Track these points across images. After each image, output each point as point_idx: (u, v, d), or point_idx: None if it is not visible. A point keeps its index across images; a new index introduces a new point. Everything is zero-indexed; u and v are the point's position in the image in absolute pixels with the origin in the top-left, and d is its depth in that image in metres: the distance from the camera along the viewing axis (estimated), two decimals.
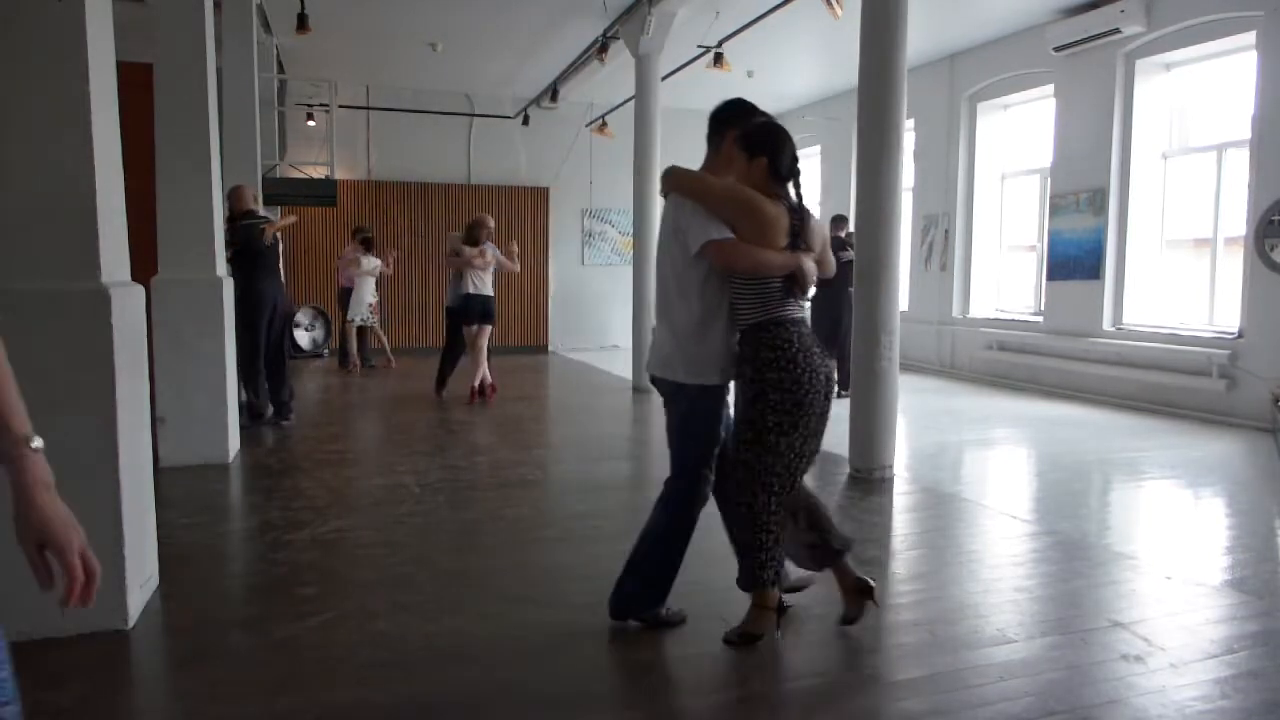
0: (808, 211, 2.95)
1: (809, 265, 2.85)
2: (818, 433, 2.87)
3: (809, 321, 2.97)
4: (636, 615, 3.05)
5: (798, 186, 2.95)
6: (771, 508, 2.83)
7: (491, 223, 8.59)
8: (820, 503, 3.09)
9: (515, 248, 8.84)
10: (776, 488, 2.82)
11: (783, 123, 3.14)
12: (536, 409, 8.59)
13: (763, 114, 3.02)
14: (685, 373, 2.87)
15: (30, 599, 2.98)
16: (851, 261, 8.65)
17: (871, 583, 3.07)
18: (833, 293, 8.79)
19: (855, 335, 5.45)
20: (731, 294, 2.85)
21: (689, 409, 2.92)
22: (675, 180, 2.85)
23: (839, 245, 8.81)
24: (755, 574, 2.88)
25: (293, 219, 8.51)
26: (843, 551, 3.06)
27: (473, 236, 8.43)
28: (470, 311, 8.30)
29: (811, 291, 2.92)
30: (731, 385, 2.97)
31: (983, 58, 10.30)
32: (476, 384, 8.35)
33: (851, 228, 9.31)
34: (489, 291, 8.40)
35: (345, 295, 10.94)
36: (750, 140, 2.88)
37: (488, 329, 8.40)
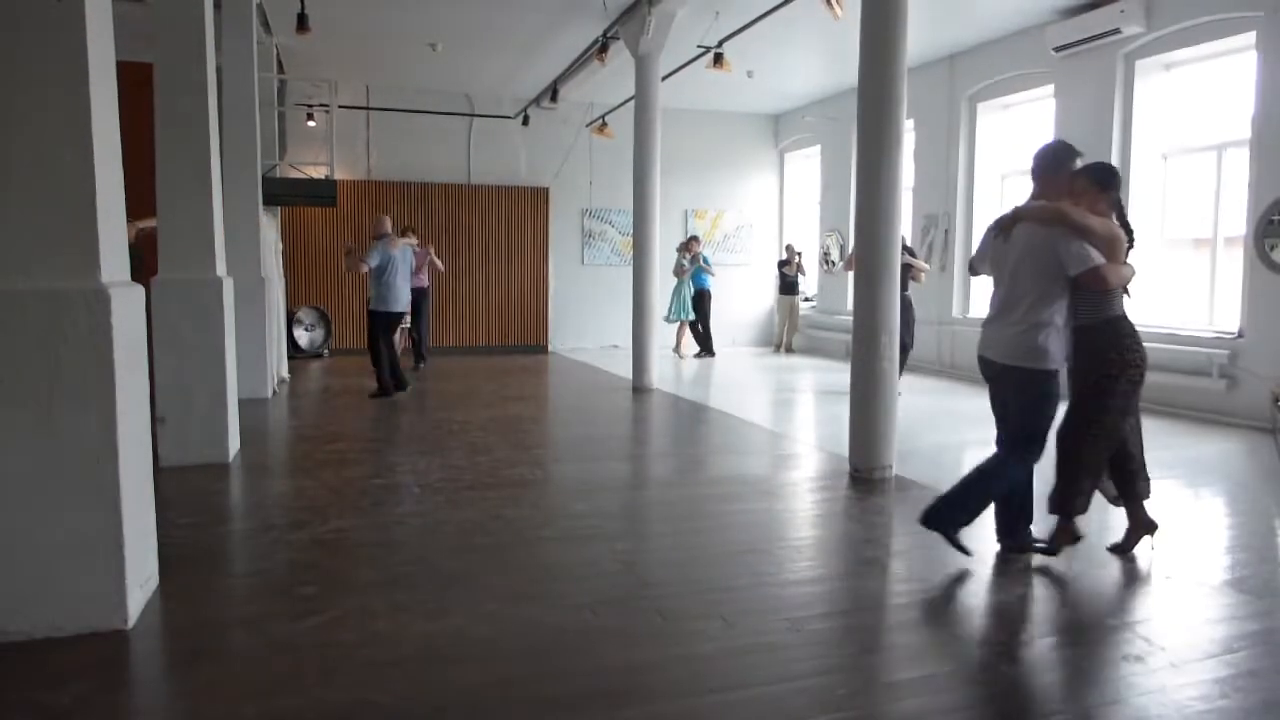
0: (1132, 231, 3.79)
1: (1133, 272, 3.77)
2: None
3: None
4: (943, 529, 3.76)
5: (1122, 210, 3.82)
6: (1095, 450, 3.70)
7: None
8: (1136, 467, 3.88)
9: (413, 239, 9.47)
10: (1105, 442, 3.69)
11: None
12: (536, 409, 8.59)
13: (1078, 151, 3.82)
14: (1051, 360, 3.61)
15: (30, 599, 2.99)
16: (907, 265, 8.84)
17: (1156, 524, 3.91)
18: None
19: (855, 335, 5.45)
20: (1080, 298, 3.64)
21: (1046, 390, 3.64)
22: (1060, 216, 3.58)
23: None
24: (1066, 503, 3.77)
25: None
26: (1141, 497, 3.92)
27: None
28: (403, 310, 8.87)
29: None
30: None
31: (983, 58, 10.30)
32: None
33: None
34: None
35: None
36: (1103, 177, 3.76)
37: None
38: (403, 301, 8.64)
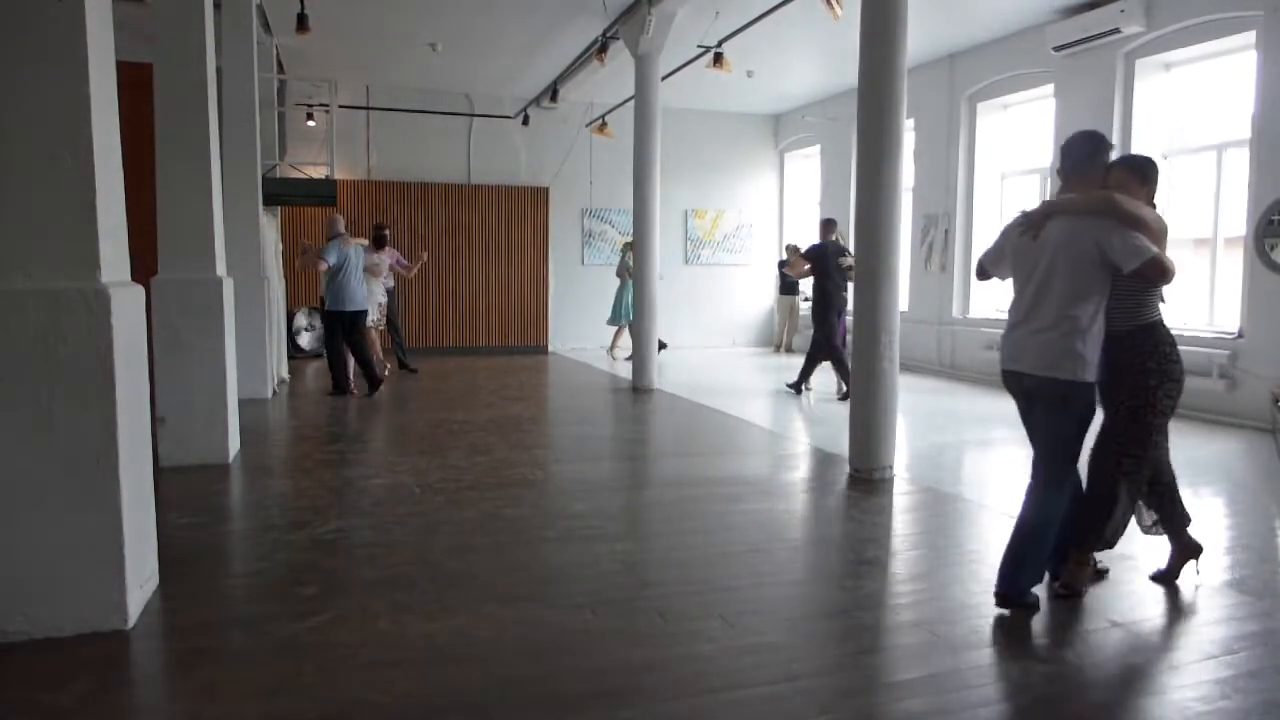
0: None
1: None
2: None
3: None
4: (1025, 602, 3.27)
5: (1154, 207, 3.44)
6: (1134, 485, 3.37)
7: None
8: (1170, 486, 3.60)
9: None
10: (1145, 468, 3.37)
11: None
12: (536, 409, 8.59)
13: (1111, 142, 3.51)
14: (1091, 370, 3.23)
15: (30, 599, 2.99)
16: (852, 267, 8.90)
17: (1202, 546, 3.63)
18: (832, 298, 8.91)
19: (855, 335, 5.45)
20: (1122, 298, 3.28)
21: (1089, 403, 3.27)
22: (1111, 205, 3.20)
23: (838, 251, 8.94)
24: (1090, 535, 3.37)
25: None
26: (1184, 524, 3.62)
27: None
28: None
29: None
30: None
31: (983, 58, 10.30)
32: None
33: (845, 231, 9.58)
34: None
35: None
36: (1144, 170, 3.42)
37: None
38: (358, 300, 8.56)
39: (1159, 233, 3.22)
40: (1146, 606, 3.39)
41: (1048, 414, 3.31)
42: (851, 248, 6.75)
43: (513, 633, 3.04)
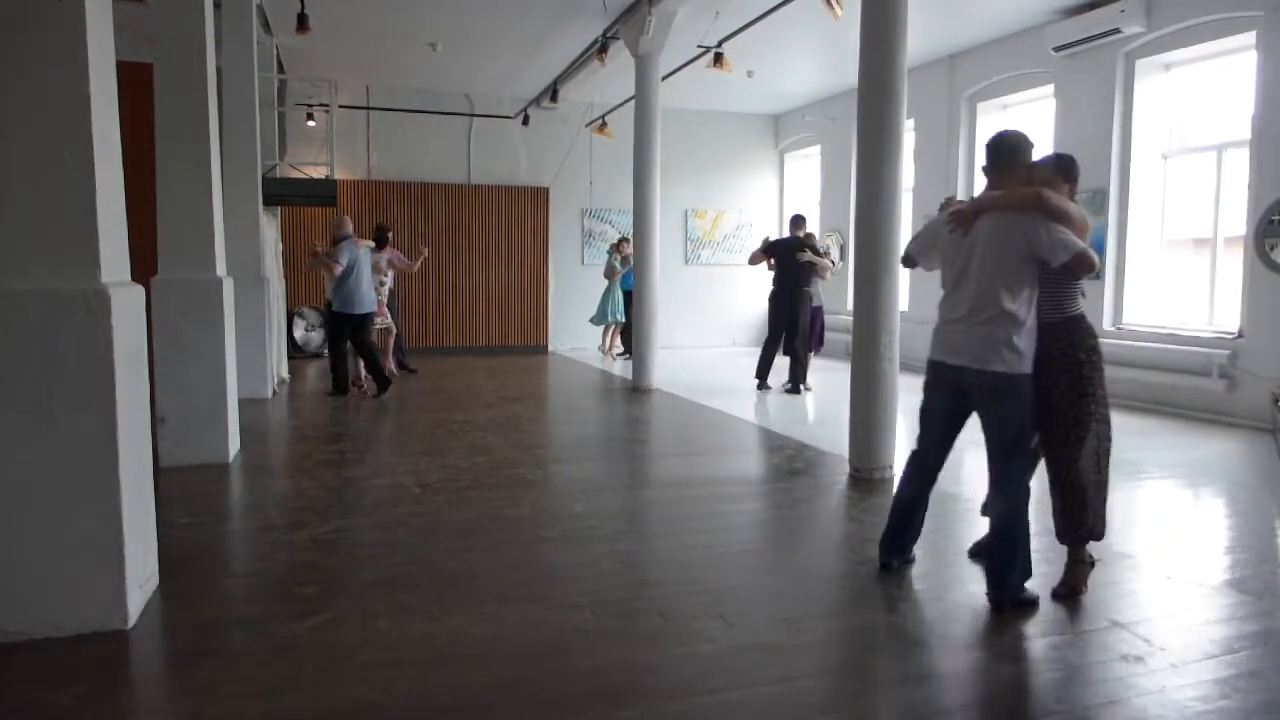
0: None
1: None
2: None
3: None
4: (1012, 598, 3.30)
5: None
6: (1094, 469, 3.39)
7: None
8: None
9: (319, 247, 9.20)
10: (1102, 448, 3.40)
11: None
12: (536, 409, 8.59)
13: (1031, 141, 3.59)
14: (1027, 363, 3.31)
15: (30, 599, 2.99)
16: (811, 264, 9.19)
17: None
18: (792, 292, 9.15)
19: (855, 335, 5.45)
20: (1050, 291, 3.36)
21: (1027, 396, 3.33)
22: (1040, 200, 3.29)
23: (798, 246, 9.18)
24: (1076, 530, 3.41)
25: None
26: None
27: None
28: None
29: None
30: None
31: (983, 58, 10.30)
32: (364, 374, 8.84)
33: (809, 228, 9.77)
34: None
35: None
36: (1067, 168, 3.58)
37: None
38: (367, 303, 8.52)
39: (1082, 227, 3.32)
40: (1146, 606, 3.39)
41: (990, 408, 3.38)
42: (851, 246, 6.75)
43: (513, 633, 3.04)
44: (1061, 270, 3.27)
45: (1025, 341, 3.30)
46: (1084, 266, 3.24)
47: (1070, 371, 3.35)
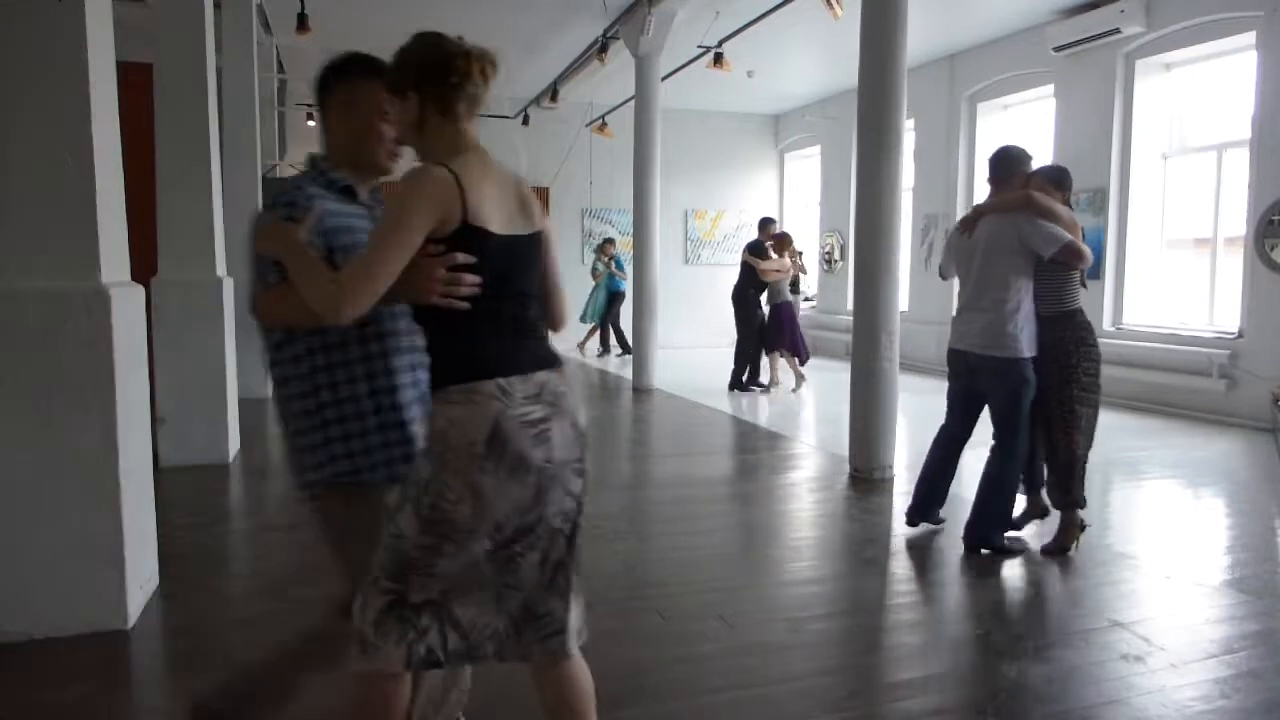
0: None
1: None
2: None
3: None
4: (991, 545, 3.87)
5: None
6: (1083, 445, 3.80)
7: None
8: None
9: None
10: (1085, 428, 3.80)
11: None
12: None
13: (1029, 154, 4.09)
14: (1028, 348, 3.75)
15: (31, 599, 2.98)
16: (749, 265, 9.42)
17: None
18: (742, 294, 9.46)
19: (855, 335, 5.44)
20: (1049, 285, 3.78)
21: (1025, 377, 3.77)
22: (1026, 200, 3.78)
23: (753, 249, 9.51)
24: (1067, 497, 3.85)
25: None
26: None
27: None
28: None
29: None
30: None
31: (983, 58, 10.30)
32: None
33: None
34: None
35: None
36: (1058, 176, 4.00)
37: None
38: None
39: (1070, 225, 3.76)
40: (1146, 606, 3.39)
41: (991, 387, 3.89)
42: (852, 246, 6.76)
43: None
44: (1054, 262, 3.70)
45: (1021, 327, 3.74)
46: (1073, 255, 3.68)
47: (1058, 362, 3.77)
